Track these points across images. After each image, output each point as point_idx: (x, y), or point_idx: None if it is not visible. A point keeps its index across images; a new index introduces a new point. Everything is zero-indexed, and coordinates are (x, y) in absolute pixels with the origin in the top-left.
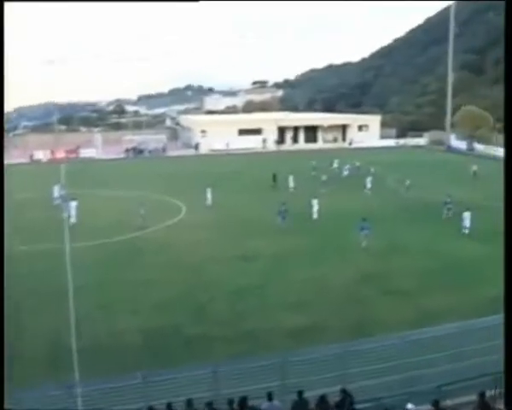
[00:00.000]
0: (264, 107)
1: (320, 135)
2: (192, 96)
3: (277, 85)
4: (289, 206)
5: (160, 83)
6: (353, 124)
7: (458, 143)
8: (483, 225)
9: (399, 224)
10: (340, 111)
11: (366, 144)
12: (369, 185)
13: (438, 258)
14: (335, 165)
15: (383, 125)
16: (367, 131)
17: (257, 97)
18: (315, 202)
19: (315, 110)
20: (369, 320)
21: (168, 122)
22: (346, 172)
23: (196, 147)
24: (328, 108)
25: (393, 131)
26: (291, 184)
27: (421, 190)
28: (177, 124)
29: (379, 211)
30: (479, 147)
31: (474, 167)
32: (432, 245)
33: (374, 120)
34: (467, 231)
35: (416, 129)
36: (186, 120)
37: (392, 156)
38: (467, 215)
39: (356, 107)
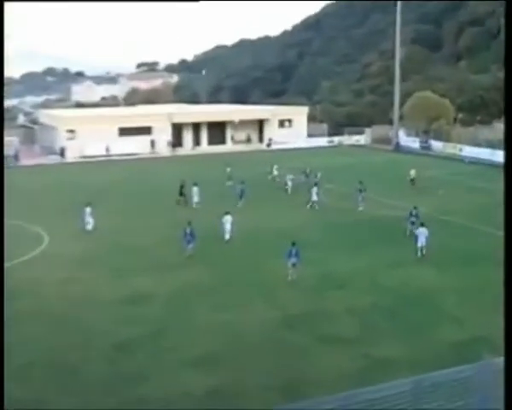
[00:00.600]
0: (153, 97)
1: (229, 134)
2: (54, 83)
3: (171, 68)
4: (195, 226)
5: (7, 64)
6: (273, 119)
7: (409, 141)
8: (441, 246)
9: (339, 246)
10: (256, 102)
11: (290, 145)
12: (314, 197)
13: (387, 291)
14: (275, 172)
15: (311, 119)
16: (290, 128)
17: (143, 85)
18: (227, 220)
19: (221, 101)
20: (300, 377)
21: (21, 119)
22: (289, 183)
23: (62, 153)
24: (240, 97)
25: (325, 127)
26: (196, 198)
27: (365, 204)
28: (34, 121)
29: (312, 230)
30: (436, 145)
31: (429, 172)
32: (381, 274)
33: (299, 113)
34: (422, 253)
35: (354, 124)
36: (46, 115)
37: (325, 160)
38: (422, 232)
39: (276, 96)
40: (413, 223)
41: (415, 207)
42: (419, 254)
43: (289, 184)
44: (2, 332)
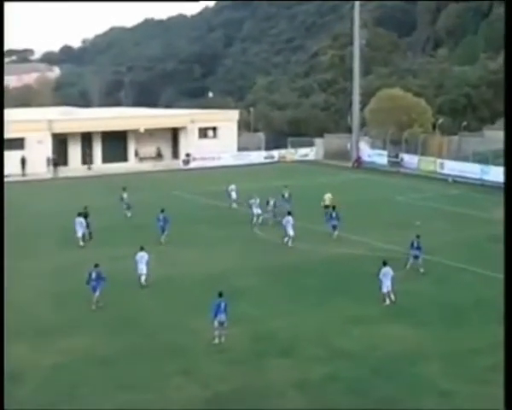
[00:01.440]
0: (25, 98)
1: (132, 147)
2: None
3: (50, 58)
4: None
5: None
6: (191, 126)
7: (374, 155)
8: (418, 294)
9: (283, 297)
10: (168, 104)
11: (214, 162)
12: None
13: (349, 358)
14: (233, 195)
15: (243, 126)
16: (215, 139)
17: (11, 81)
18: (142, 258)
19: (121, 103)
20: None
21: None
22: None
23: None
24: (146, 98)
25: (261, 138)
26: (79, 233)
27: (317, 240)
28: None
29: (249, 275)
30: (410, 159)
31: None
32: (338, 333)
33: (227, 119)
34: (391, 300)
35: (300, 132)
36: None
37: (260, 183)
38: (386, 273)
39: (195, 96)
40: (416, 257)
41: (417, 236)
42: (387, 301)
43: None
44: (2, 332)
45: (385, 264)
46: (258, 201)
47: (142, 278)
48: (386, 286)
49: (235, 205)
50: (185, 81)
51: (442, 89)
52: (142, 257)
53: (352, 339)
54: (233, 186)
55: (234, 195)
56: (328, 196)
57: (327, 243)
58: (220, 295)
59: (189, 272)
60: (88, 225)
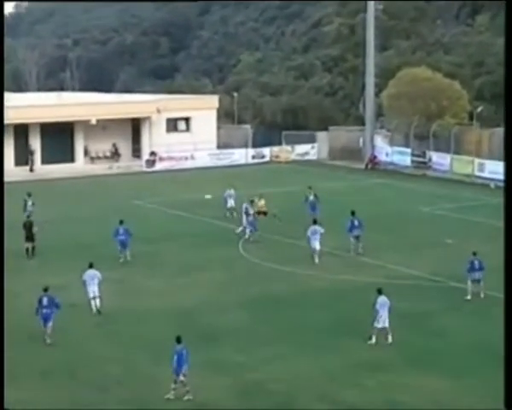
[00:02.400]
0: None
1: (80, 144)
2: None
3: None
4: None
5: None
6: (157, 117)
7: (395, 153)
8: (452, 333)
9: (277, 337)
10: (127, 88)
11: (187, 163)
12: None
13: None
14: (231, 202)
15: (225, 116)
16: (188, 133)
17: None
18: (92, 278)
19: (65, 87)
20: None
21: None
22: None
23: None
24: (98, 80)
25: (247, 131)
26: None
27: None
28: None
29: (233, 309)
30: (440, 159)
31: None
32: (345, 384)
33: (204, 107)
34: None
35: (297, 124)
36: None
37: (247, 190)
38: (383, 303)
39: (162, 77)
40: (477, 281)
41: (474, 254)
42: (389, 339)
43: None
44: (2, 332)
45: (380, 292)
46: (232, 191)
47: (97, 303)
48: (383, 321)
49: (228, 214)
50: (149, 58)
51: (482, 68)
52: (93, 277)
53: (365, 392)
54: (231, 191)
55: (231, 202)
56: (261, 202)
57: (332, 266)
58: (178, 340)
59: (155, 305)
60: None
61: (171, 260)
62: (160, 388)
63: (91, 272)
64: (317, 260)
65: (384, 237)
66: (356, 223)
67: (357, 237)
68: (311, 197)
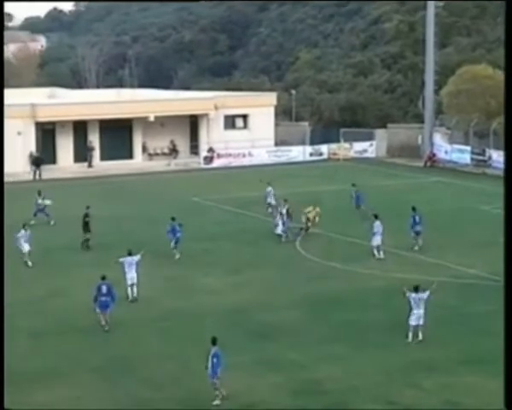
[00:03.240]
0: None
1: (139, 141)
2: None
3: (32, 25)
4: None
5: None
6: (215, 114)
7: (454, 151)
8: None
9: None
10: (184, 85)
11: (245, 159)
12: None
13: None
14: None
15: (283, 113)
16: (246, 130)
17: None
18: (130, 264)
19: (124, 84)
20: None
21: None
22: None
23: None
24: (156, 77)
25: (305, 128)
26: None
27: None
28: None
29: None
30: (500, 157)
31: None
32: None
33: (261, 104)
34: None
35: (355, 122)
36: None
37: (311, 188)
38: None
39: (219, 74)
40: None
41: None
42: (419, 337)
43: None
44: (2, 332)
45: (416, 289)
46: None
47: (134, 290)
48: (416, 318)
49: (269, 210)
50: (207, 56)
51: None
52: (131, 264)
53: (421, 393)
54: (270, 188)
55: (271, 200)
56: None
57: (390, 264)
58: (214, 342)
59: (209, 303)
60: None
61: (227, 258)
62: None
63: (129, 259)
64: (380, 256)
65: (443, 236)
66: (417, 219)
67: (417, 233)
68: (354, 194)
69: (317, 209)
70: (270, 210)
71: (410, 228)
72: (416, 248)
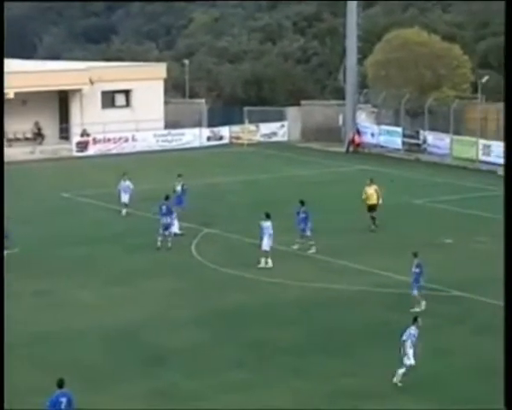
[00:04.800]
0: None
1: None
2: None
3: None
4: None
5: None
6: (90, 89)
7: (382, 133)
8: None
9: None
10: (52, 53)
11: (127, 145)
12: None
13: None
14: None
15: (174, 89)
16: (128, 109)
17: None
18: None
19: None
20: None
21: None
22: None
23: None
24: (15, 43)
25: (202, 107)
26: None
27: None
28: None
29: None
30: (437, 140)
31: None
32: None
33: (147, 77)
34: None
35: (262, 99)
36: None
37: (209, 180)
38: None
39: (94, 40)
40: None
41: (415, 255)
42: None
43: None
44: (2, 332)
45: (415, 321)
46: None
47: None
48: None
49: (124, 212)
50: (79, 17)
51: (488, 28)
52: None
53: None
54: (127, 183)
55: (125, 197)
56: (371, 189)
57: (305, 272)
58: (60, 385)
59: (89, 321)
60: None
61: (108, 266)
62: None
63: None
64: (263, 264)
65: (369, 237)
66: (306, 215)
67: (304, 231)
68: (178, 187)
69: None
70: (123, 212)
71: (298, 224)
72: (296, 247)
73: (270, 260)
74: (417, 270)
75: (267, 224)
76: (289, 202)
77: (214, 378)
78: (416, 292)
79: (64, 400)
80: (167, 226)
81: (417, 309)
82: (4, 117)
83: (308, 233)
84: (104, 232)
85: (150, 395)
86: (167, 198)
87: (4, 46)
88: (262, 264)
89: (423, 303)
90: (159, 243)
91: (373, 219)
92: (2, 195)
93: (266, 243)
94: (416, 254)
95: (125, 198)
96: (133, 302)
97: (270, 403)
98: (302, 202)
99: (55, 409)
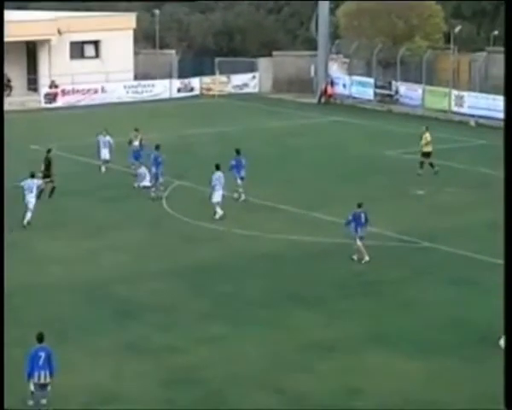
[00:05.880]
0: None
1: None
2: None
3: None
4: None
5: None
6: (58, 39)
7: (354, 84)
8: None
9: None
10: (18, 3)
11: (97, 97)
12: None
13: None
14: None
15: (144, 39)
16: (98, 60)
17: None
18: None
19: None
20: None
21: None
22: None
23: None
24: None
25: (173, 58)
26: None
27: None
28: None
29: None
30: (408, 91)
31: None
32: None
33: (116, 27)
34: None
35: (233, 50)
36: None
37: (178, 132)
38: None
39: None
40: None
41: (359, 206)
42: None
43: None
44: (2, 332)
45: None
46: (108, 139)
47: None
48: None
49: (103, 169)
50: None
51: None
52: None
53: (317, 378)
54: (107, 138)
55: (105, 153)
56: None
57: (274, 224)
58: (40, 339)
59: (57, 275)
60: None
61: (79, 218)
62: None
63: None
64: (218, 216)
65: (340, 188)
66: (243, 162)
67: (242, 179)
68: (136, 142)
69: None
70: (103, 169)
71: (230, 171)
72: (236, 196)
73: (219, 210)
74: (358, 220)
75: (217, 175)
76: (261, 154)
77: (186, 331)
78: (359, 243)
79: (43, 354)
80: (156, 176)
81: (355, 257)
82: None
83: (239, 181)
84: (75, 185)
85: (121, 349)
86: (157, 148)
87: None
88: (218, 214)
89: (366, 258)
90: (152, 194)
91: (431, 164)
92: (3, 190)
93: (217, 195)
94: (360, 205)
95: (105, 154)
96: (104, 256)
97: (243, 355)
98: (238, 151)
99: (34, 363)
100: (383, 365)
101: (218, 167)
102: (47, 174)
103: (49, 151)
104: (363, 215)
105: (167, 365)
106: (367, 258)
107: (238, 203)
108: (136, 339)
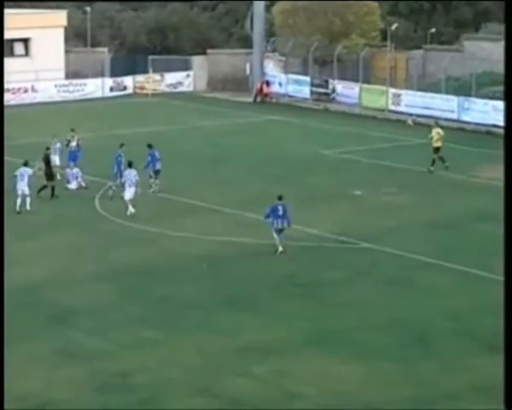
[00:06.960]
0: None
1: None
2: None
3: None
4: None
5: None
6: None
7: (290, 82)
8: None
9: None
10: None
11: (27, 97)
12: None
13: None
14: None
15: (76, 37)
16: (28, 58)
17: None
18: None
19: None
20: None
21: None
22: None
23: None
24: None
25: (105, 56)
26: None
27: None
28: None
29: None
30: (345, 89)
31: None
32: None
33: (47, 25)
34: None
35: (166, 48)
36: None
37: (111, 132)
38: None
39: None
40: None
41: (279, 198)
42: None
43: None
44: (2, 332)
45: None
46: (58, 145)
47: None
48: None
49: (59, 176)
50: None
51: None
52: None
53: (255, 381)
54: (58, 145)
55: (55, 159)
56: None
57: (211, 226)
58: None
59: None
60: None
61: (10, 221)
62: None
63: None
64: (129, 213)
65: (275, 188)
66: (157, 155)
67: (157, 173)
68: (73, 143)
69: None
70: (59, 177)
71: (147, 168)
72: (152, 190)
73: (131, 208)
74: (275, 213)
75: (130, 173)
76: (196, 154)
77: (118, 336)
78: (275, 236)
79: None
80: (117, 175)
81: (280, 249)
82: None
83: (152, 174)
84: (6, 186)
85: (53, 355)
86: (122, 146)
87: None
88: (130, 211)
89: (280, 249)
90: (110, 192)
91: (441, 159)
92: (3, 189)
93: (129, 192)
94: (280, 198)
95: (55, 161)
96: (35, 258)
97: (177, 360)
98: (150, 146)
99: None
100: (320, 367)
101: (130, 165)
102: (48, 173)
103: (47, 149)
104: (280, 207)
105: (100, 370)
106: (280, 249)
107: (173, 204)
108: (69, 344)
